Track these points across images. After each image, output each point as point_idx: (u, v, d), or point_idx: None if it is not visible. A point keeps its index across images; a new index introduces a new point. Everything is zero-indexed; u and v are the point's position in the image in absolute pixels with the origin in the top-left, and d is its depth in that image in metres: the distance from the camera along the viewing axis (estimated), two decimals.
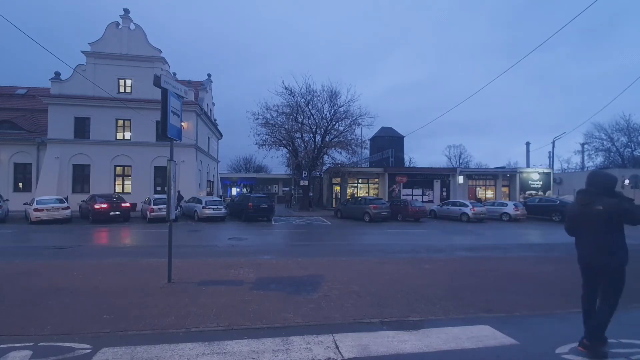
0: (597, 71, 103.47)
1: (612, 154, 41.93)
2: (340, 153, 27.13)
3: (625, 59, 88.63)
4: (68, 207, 17.07)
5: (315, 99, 25.72)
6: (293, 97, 25.50)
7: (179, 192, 21.13)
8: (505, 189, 29.98)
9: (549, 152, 41.49)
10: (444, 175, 29.25)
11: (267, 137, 25.58)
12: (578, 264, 3.53)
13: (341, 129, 26.02)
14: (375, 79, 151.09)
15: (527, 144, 44.44)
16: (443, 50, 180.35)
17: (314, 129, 25.93)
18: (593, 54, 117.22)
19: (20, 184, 23.49)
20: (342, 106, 25.59)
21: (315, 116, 25.76)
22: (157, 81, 5.60)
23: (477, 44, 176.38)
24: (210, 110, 32.28)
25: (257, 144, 25.69)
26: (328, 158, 27.61)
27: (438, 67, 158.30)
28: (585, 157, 43.20)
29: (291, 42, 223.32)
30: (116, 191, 22.91)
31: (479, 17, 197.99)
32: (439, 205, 24.16)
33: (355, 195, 26.72)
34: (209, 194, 29.82)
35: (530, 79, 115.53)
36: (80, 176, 23.28)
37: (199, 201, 18.98)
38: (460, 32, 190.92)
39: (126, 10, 23.55)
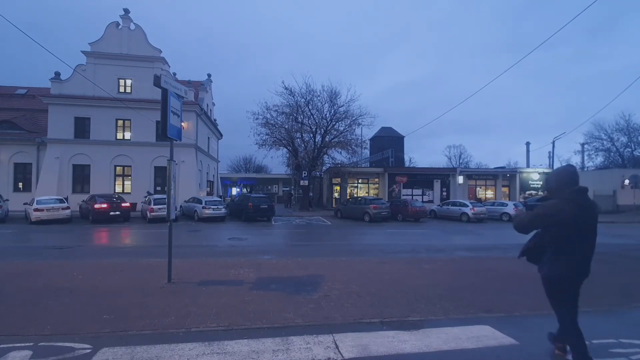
0: (597, 70, 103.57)
1: (612, 154, 41.90)
2: (340, 153, 27.18)
3: (627, 58, 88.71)
4: (68, 207, 17.07)
5: (315, 99, 25.79)
6: (293, 97, 25.57)
7: (148, 192, 21.38)
8: (505, 189, 30.00)
9: (549, 152, 41.48)
10: (444, 175, 29.26)
11: (267, 137, 25.63)
12: (562, 280, 2.91)
13: (341, 129, 26.08)
14: (375, 78, 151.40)
15: (527, 144, 44.52)
16: (443, 49, 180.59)
17: (314, 129, 25.94)
18: (594, 53, 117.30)
19: (20, 184, 23.50)
20: (342, 106, 25.66)
21: (315, 116, 25.79)
22: (157, 81, 5.60)
23: (477, 42, 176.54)
24: (210, 110, 32.28)
25: (257, 144, 25.77)
26: (328, 158, 27.63)
27: (438, 66, 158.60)
28: (585, 157, 43.23)
29: (291, 41, 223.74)
30: (116, 191, 22.92)
31: (479, 16, 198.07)
32: (439, 205, 24.16)
33: (355, 195, 26.73)
34: (209, 194, 29.82)
35: (531, 78, 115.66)
36: (80, 176, 23.28)
37: (199, 201, 18.98)
38: (460, 31, 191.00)
39: (126, 10, 23.55)
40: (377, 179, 29.06)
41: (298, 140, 26.70)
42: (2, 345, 3.39)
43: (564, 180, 2.96)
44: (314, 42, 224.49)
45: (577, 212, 2.81)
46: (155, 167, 23.98)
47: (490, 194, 29.64)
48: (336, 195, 28.97)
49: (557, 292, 2.98)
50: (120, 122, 23.70)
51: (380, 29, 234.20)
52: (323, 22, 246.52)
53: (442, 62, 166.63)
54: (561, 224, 2.83)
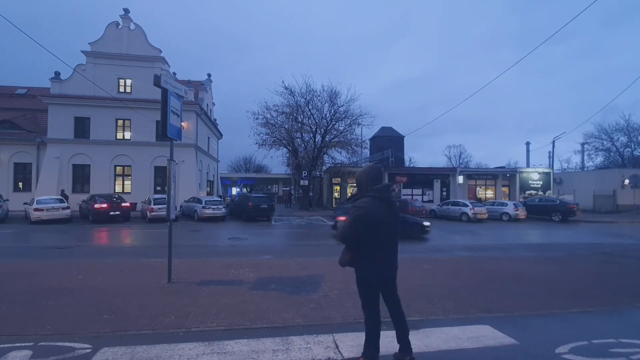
0: (598, 70, 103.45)
1: (612, 153, 41.88)
2: (340, 153, 27.25)
3: (628, 58, 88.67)
4: (68, 207, 17.07)
5: (315, 99, 25.85)
6: (293, 96, 25.62)
7: (62, 190, 21.00)
8: (505, 189, 29.99)
9: (549, 152, 41.55)
10: (444, 175, 29.26)
11: (267, 136, 25.69)
12: (369, 283, 2.93)
13: (341, 128, 26.13)
14: (375, 76, 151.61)
15: (527, 143, 44.60)
16: (443, 47, 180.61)
17: (314, 129, 25.97)
18: (599, 51, 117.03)
19: (20, 184, 23.47)
20: (342, 106, 25.71)
21: (315, 116, 25.83)
22: (157, 81, 5.59)
23: (477, 39, 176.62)
24: (210, 110, 32.26)
25: (257, 143, 25.84)
26: (328, 158, 27.70)
27: (437, 65, 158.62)
28: (585, 157, 43.24)
29: (290, 36, 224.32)
30: (116, 191, 22.91)
31: (481, 10, 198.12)
32: (439, 205, 24.14)
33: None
34: (209, 194, 29.81)
35: (531, 77, 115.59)
36: (80, 176, 23.26)
37: (199, 201, 18.98)
38: (459, 29, 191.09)
39: (126, 10, 23.53)
40: None
41: (298, 140, 26.74)
42: (2, 345, 3.39)
43: (377, 176, 2.93)
44: (313, 38, 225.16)
45: (385, 208, 2.84)
46: (155, 167, 23.95)
47: (490, 193, 29.62)
48: (336, 195, 28.96)
49: (367, 294, 2.96)
50: (120, 122, 23.68)
51: (380, 26, 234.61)
52: (323, 17, 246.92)
53: (442, 60, 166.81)
54: (370, 223, 2.76)
